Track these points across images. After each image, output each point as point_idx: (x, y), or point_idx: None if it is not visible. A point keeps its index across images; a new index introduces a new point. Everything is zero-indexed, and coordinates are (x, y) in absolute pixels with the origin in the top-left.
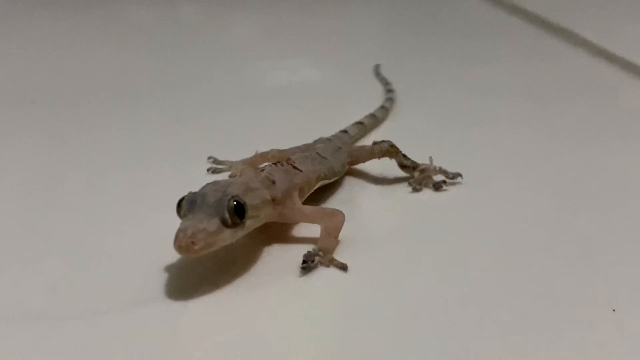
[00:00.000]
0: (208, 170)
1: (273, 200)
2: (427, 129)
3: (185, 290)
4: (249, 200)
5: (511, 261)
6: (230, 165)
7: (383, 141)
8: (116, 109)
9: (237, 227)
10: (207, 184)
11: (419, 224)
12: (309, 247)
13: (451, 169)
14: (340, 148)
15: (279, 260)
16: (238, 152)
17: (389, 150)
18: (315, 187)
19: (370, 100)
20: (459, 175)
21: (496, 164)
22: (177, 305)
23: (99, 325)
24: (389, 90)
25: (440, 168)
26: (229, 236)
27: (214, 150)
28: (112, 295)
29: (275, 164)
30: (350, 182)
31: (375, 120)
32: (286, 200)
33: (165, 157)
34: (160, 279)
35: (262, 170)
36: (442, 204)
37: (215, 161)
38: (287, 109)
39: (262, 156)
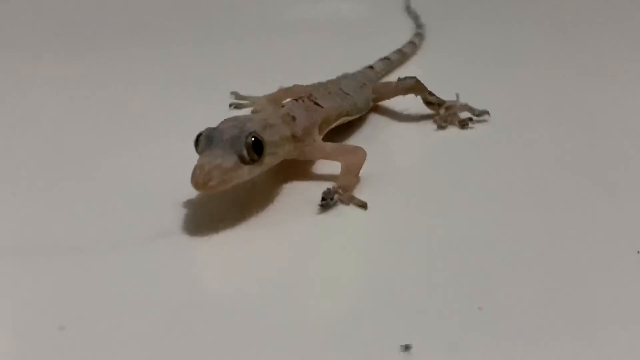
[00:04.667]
0: (230, 105)
1: (293, 136)
2: (455, 66)
3: (204, 225)
4: (268, 136)
5: (534, 202)
6: (253, 100)
7: (408, 77)
8: (137, 41)
9: (254, 163)
10: (226, 120)
11: (443, 163)
12: (329, 185)
13: (479, 107)
14: (364, 84)
15: (299, 197)
16: (262, 86)
17: (414, 86)
18: (337, 124)
19: (399, 35)
20: (486, 112)
21: (525, 103)
22: (196, 241)
23: (117, 258)
24: (418, 25)
25: (466, 105)
26: (246, 173)
27: (237, 85)
28: (131, 229)
29: (296, 99)
30: (374, 119)
31: (402, 55)
32: (306, 137)
33: (187, 90)
34: (179, 214)
35: (283, 107)
36: (468, 142)
37: (238, 96)
38: (312, 42)
39: (286, 92)
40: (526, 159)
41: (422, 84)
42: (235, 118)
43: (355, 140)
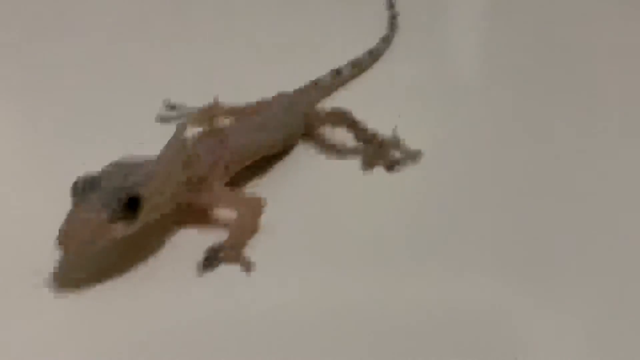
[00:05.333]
0: (157, 118)
1: (189, 182)
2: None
3: (67, 281)
4: (148, 191)
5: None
6: (184, 113)
7: (336, 109)
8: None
9: (129, 220)
10: (112, 164)
11: (355, 213)
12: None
13: (429, 137)
14: (294, 112)
15: (188, 249)
16: (204, 92)
17: (343, 121)
18: (250, 162)
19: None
20: (417, 154)
21: (486, 143)
22: (58, 298)
23: None
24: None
25: (399, 143)
26: (119, 232)
27: (177, 91)
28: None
29: (203, 136)
30: (300, 150)
31: (357, 67)
32: (206, 181)
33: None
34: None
35: (184, 146)
36: (391, 189)
37: (170, 105)
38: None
39: (211, 109)
40: (446, 217)
41: (352, 119)
42: (122, 163)
43: (268, 177)
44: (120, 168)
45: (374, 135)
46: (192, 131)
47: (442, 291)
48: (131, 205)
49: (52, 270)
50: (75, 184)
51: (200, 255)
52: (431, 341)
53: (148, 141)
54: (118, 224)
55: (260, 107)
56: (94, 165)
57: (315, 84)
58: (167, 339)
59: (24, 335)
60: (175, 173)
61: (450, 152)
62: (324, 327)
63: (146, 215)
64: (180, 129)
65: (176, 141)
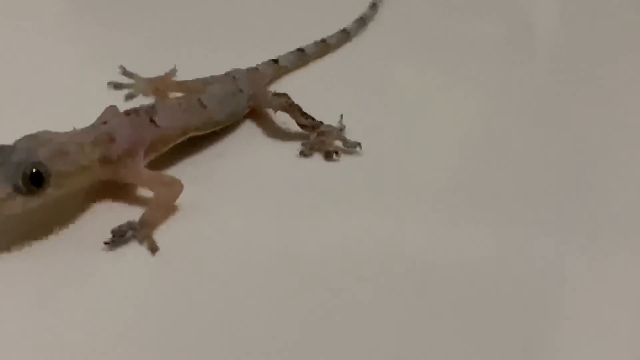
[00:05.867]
0: (109, 84)
1: (105, 159)
2: (390, 63)
3: None
4: (55, 166)
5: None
6: (137, 82)
7: (279, 94)
8: None
9: (33, 195)
10: (27, 136)
11: (281, 201)
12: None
13: (386, 125)
14: (240, 91)
15: (99, 225)
16: (165, 60)
17: (285, 107)
18: (181, 140)
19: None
20: (357, 145)
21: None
22: None
23: None
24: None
25: (340, 133)
26: (20, 205)
27: (130, 57)
28: None
29: (129, 113)
30: (242, 130)
31: (323, 47)
32: (125, 159)
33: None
34: None
35: (105, 123)
36: (324, 177)
37: (125, 72)
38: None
39: (162, 81)
40: (373, 209)
41: (293, 105)
42: (36, 136)
43: (201, 155)
44: (33, 141)
45: (316, 123)
46: (117, 108)
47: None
48: (35, 180)
49: None
50: None
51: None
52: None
53: (98, 107)
54: (21, 197)
55: (206, 84)
56: (37, 129)
57: (275, 62)
58: (65, 311)
59: None
60: (88, 150)
61: (389, 144)
62: (225, 318)
63: (54, 189)
64: (111, 107)
65: (98, 119)
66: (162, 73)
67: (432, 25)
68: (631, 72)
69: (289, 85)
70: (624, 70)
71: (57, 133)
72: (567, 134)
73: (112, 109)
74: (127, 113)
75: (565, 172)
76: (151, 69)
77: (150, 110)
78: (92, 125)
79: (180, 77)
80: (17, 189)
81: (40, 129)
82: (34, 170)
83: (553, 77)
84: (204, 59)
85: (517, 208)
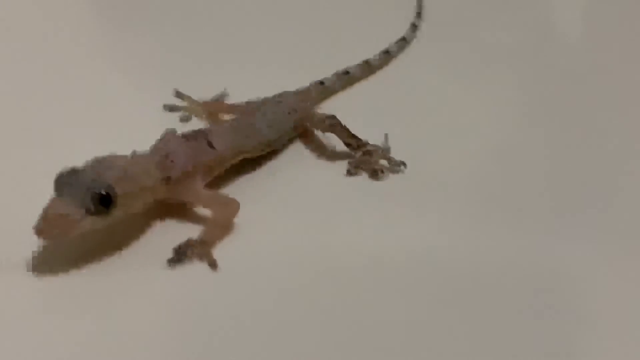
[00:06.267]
0: (164, 107)
1: (166, 180)
2: (431, 82)
3: (42, 265)
4: (122, 189)
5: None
6: (190, 104)
7: (329, 116)
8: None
9: (102, 215)
10: (94, 159)
11: (330, 217)
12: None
13: (425, 150)
14: (289, 113)
15: (160, 243)
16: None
17: (333, 128)
18: (235, 161)
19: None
20: (402, 164)
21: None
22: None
23: None
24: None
25: (386, 152)
26: (89, 225)
27: (183, 80)
28: None
29: (188, 136)
30: (291, 150)
31: (367, 69)
32: (184, 180)
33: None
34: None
35: (166, 146)
36: (369, 195)
37: (178, 95)
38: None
39: (214, 104)
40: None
41: (340, 125)
42: (103, 160)
43: (253, 175)
44: (100, 164)
45: (362, 143)
46: (176, 131)
47: None
48: (104, 201)
49: (30, 255)
50: (57, 176)
51: (170, 250)
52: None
53: (154, 129)
54: (90, 218)
55: (256, 107)
56: (100, 151)
57: (320, 83)
58: (131, 327)
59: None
60: (150, 172)
61: (436, 165)
62: (286, 332)
63: (119, 210)
64: (169, 131)
65: (158, 141)
66: (213, 95)
67: (472, 41)
68: None
69: (335, 106)
70: None
71: (121, 156)
72: (590, 140)
73: (171, 133)
74: (186, 136)
75: (590, 179)
76: (203, 92)
77: (207, 133)
78: (153, 148)
79: (230, 99)
80: (86, 210)
81: (101, 152)
82: (103, 192)
83: (578, 84)
84: (252, 81)
85: (558, 219)
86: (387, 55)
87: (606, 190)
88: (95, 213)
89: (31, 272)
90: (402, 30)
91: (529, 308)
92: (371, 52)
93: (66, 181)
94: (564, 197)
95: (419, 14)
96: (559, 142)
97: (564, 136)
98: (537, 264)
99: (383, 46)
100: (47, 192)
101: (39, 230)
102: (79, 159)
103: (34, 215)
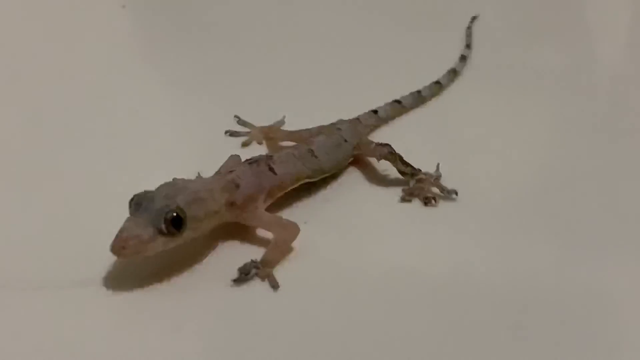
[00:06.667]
0: (226, 132)
1: (231, 204)
2: (481, 113)
3: (117, 282)
4: (192, 212)
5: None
6: (250, 129)
7: (383, 144)
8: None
9: (173, 236)
10: (164, 184)
11: (384, 242)
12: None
13: (476, 178)
14: (345, 141)
15: (225, 262)
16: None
17: (387, 156)
18: (295, 186)
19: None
20: (454, 193)
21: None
22: (103, 298)
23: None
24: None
25: (438, 180)
26: (161, 245)
27: (243, 107)
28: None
29: (252, 162)
30: (347, 177)
31: (420, 99)
32: (248, 204)
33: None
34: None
35: (231, 171)
36: (422, 222)
37: (240, 121)
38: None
39: (273, 130)
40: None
41: (395, 154)
42: (174, 184)
43: (309, 201)
44: (171, 188)
45: (415, 170)
46: (240, 157)
47: None
48: (175, 223)
49: (107, 273)
50: (131, 199)
51: (235, 270)
52: None
53: (217, 154)
54: (162, 238)
55: (314, 135)
56: (168, 175)
57: (374, 112)
58: (197, 344)
59: (74, 329)
60: (216, 197)
61: (487, 193)
62: (344, 350)
63: (189, 232)
64: (234, 156)
65: (222, 167)
66: (272, 122)
67: (519, 71)
68: None
69: (389, 134)
70: None
71: (190, 180)
72: (624, 166)
73: (235, 158)
74: (249, 162)
75: (621, 203)
76: (262, 118)
77: (269, 159)
78: (219, 173)
79: (287, 124)
80: (159, 232)
81: (169, 177)
82: (174, 214)
83: (623, 109)
84: (309, 109)
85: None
86: (438, 86)
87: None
88: (167, 234)
89: (106, 289)
90: (453, 61)
91: (578, 331)
92: (422, 82)
93: (140, 203)
94: (611, 225)
95: (468, 46)
96: (607, 168)
97: (612, 162)
98: (588, 289)
99: (434, 77)
100: (123, 214)
101: (115, 249)
102: (149, 183)
103: (111, 235)
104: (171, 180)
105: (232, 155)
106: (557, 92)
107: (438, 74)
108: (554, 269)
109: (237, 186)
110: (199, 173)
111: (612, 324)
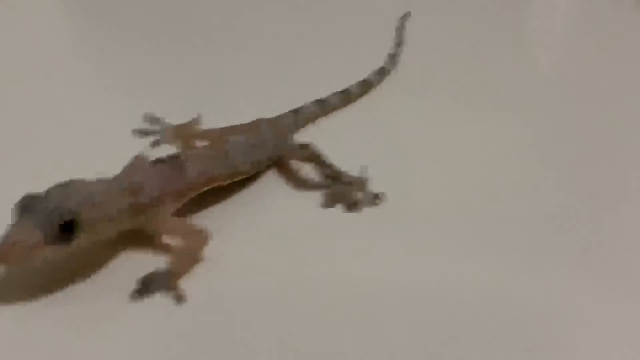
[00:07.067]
0: (134, 131)
1: (134, 208)
2: (410, 113)
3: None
4: (86, 216)
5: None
6: (161, 128)
7: (305, 144)
8: None
9: (64, 243)
10: (56, 186)
11: (304, 250)
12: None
13: (404, 182)
14: (264, 141)
15: (126, 272)
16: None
17: (309, 158)
18: (207, 188)
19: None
20: (380, 197)
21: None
22: None
23: None
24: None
25: (363, 184)
26: (52, 252)
27: (155, 104)
28: None
29: (158, 162)
30: (265, 179)
31: (345, 99)
32: (153, 208)
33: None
34: None
35: (134, 172)
36: (345, 228)
37: (151, 119)
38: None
39: (187, 129)
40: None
41: (317, 155)
42: (69, 185)
43: (225, 204)
44: (64, 190)
45: (339, 174)
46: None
47: None
48: (67, 228)
49: None
50: (20, 201)
51: (135, 281)
52: None
53: (123, 154)
54: (52, 246)
55: (231, 133)
56: (65, 176)
57: (296, 111)
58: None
59: None
60: (117, 199)
61: (414, 198)
62: None
63: (83, 238)
64: (140, 155)
65: (126, 167)
66: (185, 121)
67: (451, 73)
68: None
69: (312, 135)
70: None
71: (87, 181)
72: (578, 176)
73: (141, 158)
74: (156, 162)
75: (578, 214)
76: (175, 117)
77: (178, 159)
78: (121, 174)
79: (204, 124)
80: (48, 238)
81: (68, 177)
82: (65, 219)
83: (562, 119)
84: (226, 108)
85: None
86: (366, 85)
87: (596, 228)
88: (57, 240)
89: None
90: (382, 59)
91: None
92: (349, 81)
93: (28, 206)
94: (542, 228)
95: (398, 44)
96: (539, 175)
97: (543, 169)
98: (523, 301)
99: (362, 75)
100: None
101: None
102: (43, 184)
103: None
104: (67, 180)
105: (137, 155)
106: (490, 94)
107: (367, 72)
108: (486, 277)
109: (141, 188)
110: (100, 174)
111: (549, 335)
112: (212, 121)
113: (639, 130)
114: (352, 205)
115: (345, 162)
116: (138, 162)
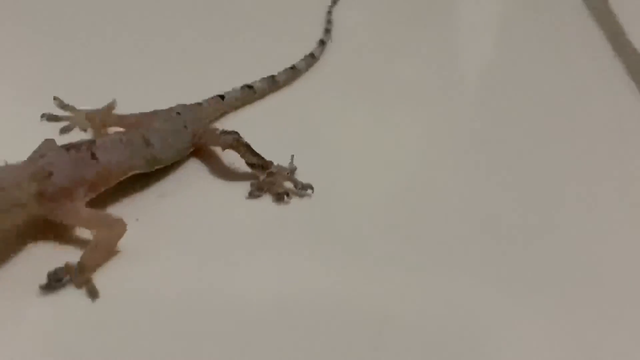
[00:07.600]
0: (42, 116)
1: (42, 195)
2: (340, 102)
3: None
4: None
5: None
6: (72, 114)
7: (229, 132)
8: None
9: None
10: None
11: (226, 244)
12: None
13: (332, 173)
14: (184, 127)
15: (35, 265)
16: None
17: (234, 145)
18: (123, 177)
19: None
20: (309, 187)
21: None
22: None
23: None
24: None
25: (291, 174)
26: None
27: (67, 89)
28: None
29: (70, 147)
30: (186, 169)
31: (272, 84)
32: (62, 196)
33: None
34: None
35: (43, 157)
36: (271, 220)
37: (61, 104)
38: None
39: (102, 114)
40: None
41: (243, 144)
42: None
43: (143, 194)
44: None
45: (266, 163)
46: (55, 142)
47: None
48: None
49: None
50: None
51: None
52: None
53: (32, 141)
54: None
55: (148, 119)
56: None
57: (221, 97)
58: None
59: None
60: (22, 185)
61: (343, 188)
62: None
63: None
64: (48, 141)
65: (35, 152)
66: (100, 106)
67: (377, 65)
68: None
69: (238, 122)
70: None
71: None
72: (493, 175)
73: (50, 143)
74: (67, 147)
75: (498, 218)
76: (89, 102)
77: (91, 145)
78: (29, 159)
79: (120, 110)
80: None
81: None
82: None
83: (484, 117)
84: (145, 92)
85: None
86: (294, 71)
87: (518, 233)
88: None
89: None
90: (311, 46)
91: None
92: (277, 67)
93: None
94: (466, 225)
95: (327, 31)
96: (460, 174)
97: (464, 168)
98: (442, 305)
99: (290, 62)
100: None
101: None
102: None
103: None
104: None
105: (46, 140)
106: (420, 85)
107: (295, 59)
108: (405, 282)
109: (50, 174)
110: (5, 162)
111: (468, 347)
112: (130, 107)
113: (567, 126)
114: (280, 196)
115: (272, 152)
116: (46, 147)
